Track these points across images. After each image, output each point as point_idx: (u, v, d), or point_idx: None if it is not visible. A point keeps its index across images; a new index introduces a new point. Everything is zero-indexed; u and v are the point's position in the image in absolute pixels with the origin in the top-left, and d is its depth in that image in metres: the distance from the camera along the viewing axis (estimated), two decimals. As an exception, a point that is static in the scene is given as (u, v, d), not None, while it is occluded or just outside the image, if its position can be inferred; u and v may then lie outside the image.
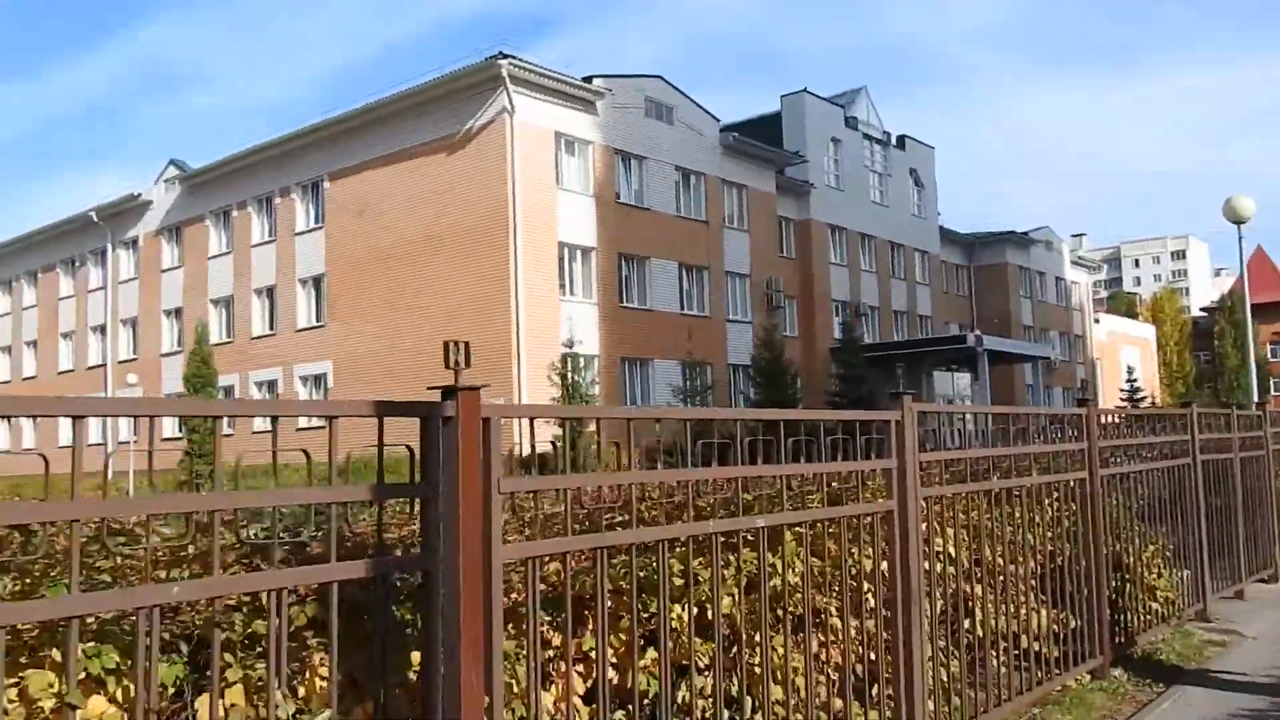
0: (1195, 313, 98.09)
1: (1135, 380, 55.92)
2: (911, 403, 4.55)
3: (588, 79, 29.92)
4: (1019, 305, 53.66)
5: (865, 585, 4.37)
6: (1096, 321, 64.61)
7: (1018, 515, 5.76)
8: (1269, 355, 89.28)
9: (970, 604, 5.18)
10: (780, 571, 3.92)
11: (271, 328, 33.96)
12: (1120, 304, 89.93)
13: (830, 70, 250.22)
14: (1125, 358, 64.26)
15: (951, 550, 5.03)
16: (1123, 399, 54.84)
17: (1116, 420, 7.38)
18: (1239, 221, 13.58)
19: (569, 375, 23.32)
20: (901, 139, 47.50)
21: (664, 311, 31.89)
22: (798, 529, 4.01)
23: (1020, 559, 5.77)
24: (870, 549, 4.38)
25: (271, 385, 33.33)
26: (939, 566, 4.94)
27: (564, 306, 28.41)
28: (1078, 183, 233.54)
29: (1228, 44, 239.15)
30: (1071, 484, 6.29)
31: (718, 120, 34.76)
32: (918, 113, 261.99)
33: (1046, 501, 6.13)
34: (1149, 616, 7.18)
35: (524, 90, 27.71)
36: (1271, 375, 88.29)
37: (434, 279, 28.66)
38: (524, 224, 27.40)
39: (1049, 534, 6.16)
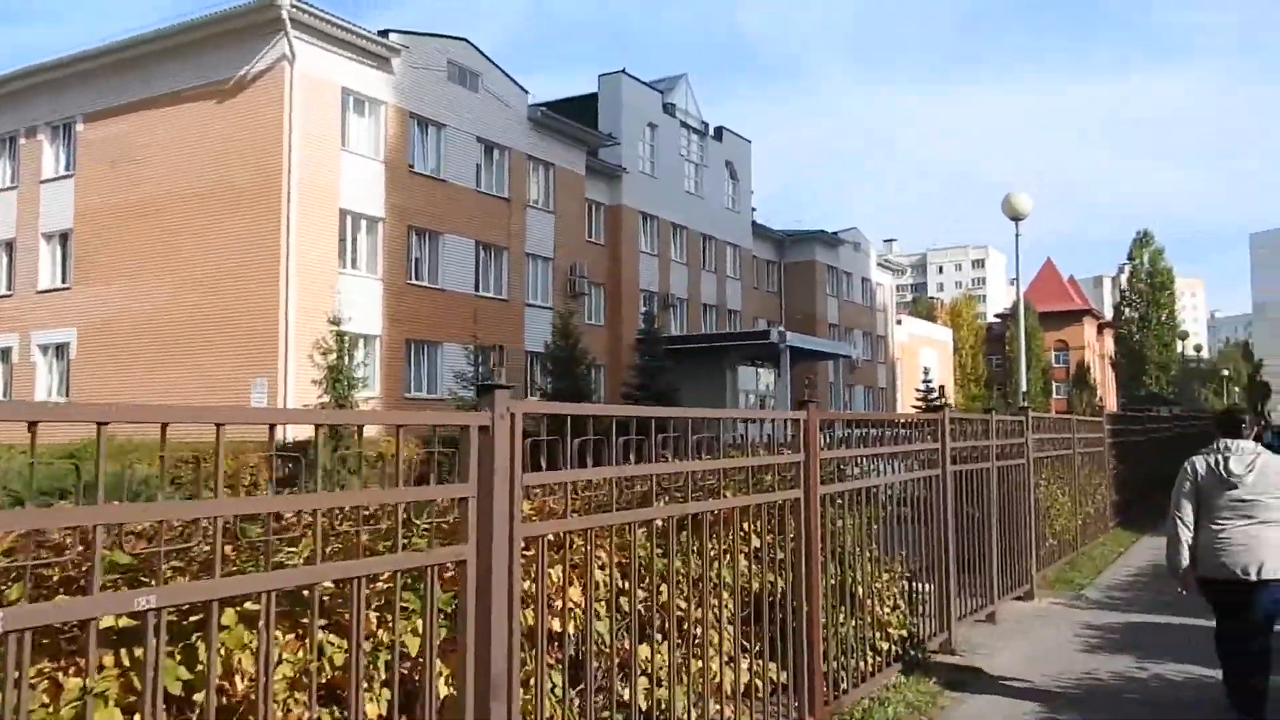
0: (991, 319, 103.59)
1: (931, 381, 57.87)
2: (511, 401, 3.18)
3: (384, 33, 27.70)
4: (825, 304, 54.44)
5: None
6: (898, 323, 66.58)
7: (710, 547, 4.53)
8: (1053, 361, 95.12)
9: (625, 669, 3.90)
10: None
11: (9, 288, 30.06)
12: (922, 308, 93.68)
13: (669, 57, 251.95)
14: (924, 359, 66.62)
15: (585, 600, 3.71)
16: (918, 399, 56.66)
17: (848, 425, 6.31)
18: (1017, 218, 13.16)
19: (334, 355, 21.20)
20: (719, 130, 47.14)
21: (457, 292, 30.04)
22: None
23: (714, 601, 4.55)
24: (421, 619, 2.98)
25: (4, 354, 29.52)
26: (567, 624, 3.62)
27: (343, 280, 26.18)
28: (898, 188, 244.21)
29: (1058, 66, 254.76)
30: (784, 504, 5.13)
31: (527, 93, 33.12)
32: (751, 107, 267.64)
33: (752, 527, 4.94)
34: (877, 659, 6.14)
35: (307, 37, 25.25)
36: (1055, 380, 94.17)
37: (197, 241, 25.81)
38: (300, 186, 24.99)
39: (754, 566, 4.98)
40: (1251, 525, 5.68)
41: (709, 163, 45.78)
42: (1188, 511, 5.89)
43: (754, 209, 54.97)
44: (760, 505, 4.90)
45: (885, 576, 6.33)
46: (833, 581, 5.65)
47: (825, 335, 51.52)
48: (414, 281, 28.77)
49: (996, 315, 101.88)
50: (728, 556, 4.74)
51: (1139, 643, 8.04)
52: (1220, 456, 5.85)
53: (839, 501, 5.79)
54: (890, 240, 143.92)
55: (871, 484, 6.21)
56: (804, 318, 52.39)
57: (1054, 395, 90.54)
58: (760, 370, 43.16)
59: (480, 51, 31.10)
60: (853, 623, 5.77)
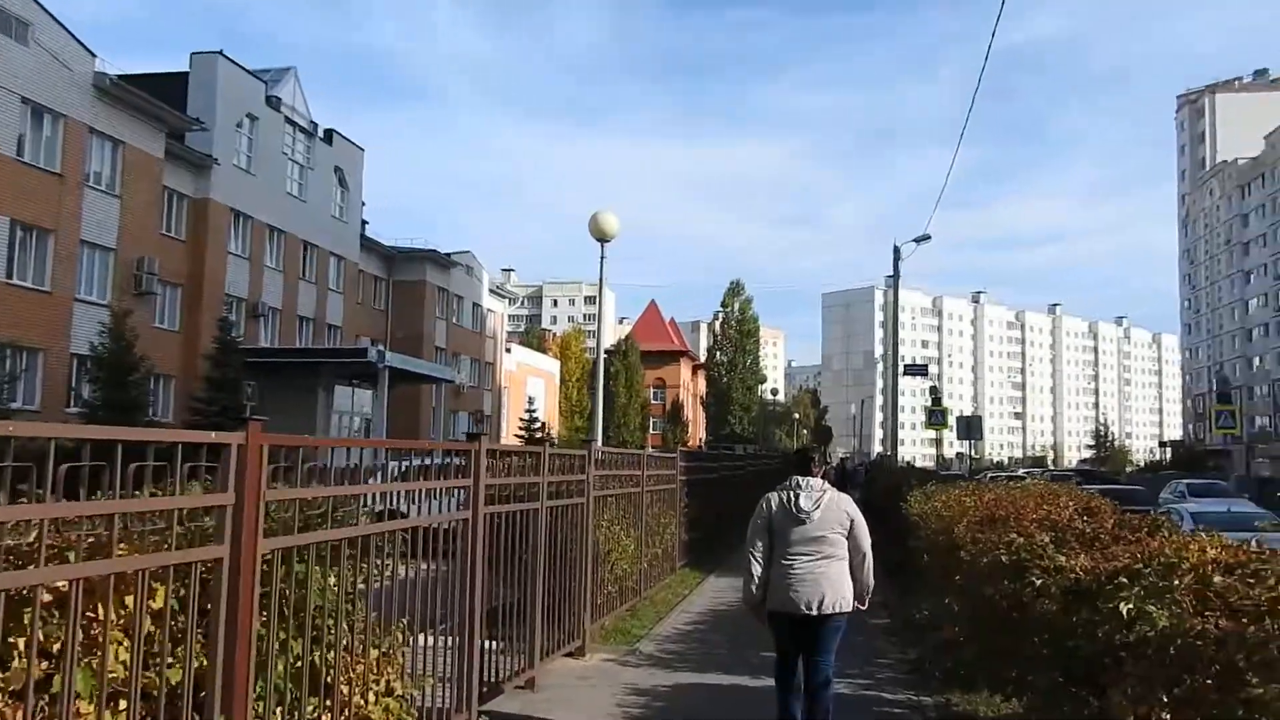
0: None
1: (535, 411, 58.21)
2: None
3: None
4: (434, 326, 52.97)
5: None
6: (508, 351, 66.64)
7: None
8: (651, 398, 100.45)
9: None
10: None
11: None
12: (534, 338, 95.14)
13: (285, 55, 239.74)
14: (531, 389, 67.12)
15: None
16: (520, 429, 56.75)
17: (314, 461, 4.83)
18: (603, 239, 12.60)
19: None
20: (329, 133, 44.31)
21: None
22: None
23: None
24: None
25: None
26: None
27: None
28: (519, 221, 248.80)
29: (673, 127, 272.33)
30: (190, 567, 3.57)
31: (94, 56, 28.64)
32: (372, 119, 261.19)
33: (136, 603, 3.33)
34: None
35: None
36: (653, 416, 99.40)
37: None
38: None
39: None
40: (817, 562, 5.87)
41: (315, 165, 42.81)
42: (760, 547, 6.05)
43: (366, 221, 52.43)
44: (141, 572, 3.30)
45: (375, 652, 4.92)
46: (290, 665, 4.17)
47: (432, 358, 49.98)
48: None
49: (606, 351, 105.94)
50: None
51: (684, 708, 7.33)
52: (792, 493, 6.02)
53: (302, 557, 4.32)
54: (508, 270, 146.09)
55: (359, 533, 4.80)
56: (411, 338, 50.51)
57: (651, 430, 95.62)
58: (357, 390, 40.72)
59: (36, 1, 26.42)
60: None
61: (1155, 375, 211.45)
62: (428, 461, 6.08)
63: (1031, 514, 6.46)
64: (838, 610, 5.87)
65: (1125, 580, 4.17)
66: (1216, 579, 3.85)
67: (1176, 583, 3.92)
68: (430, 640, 5.75)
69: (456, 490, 6.22)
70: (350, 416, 40.99)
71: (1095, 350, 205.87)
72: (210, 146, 35.22)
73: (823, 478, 6.31)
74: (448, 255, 53.56)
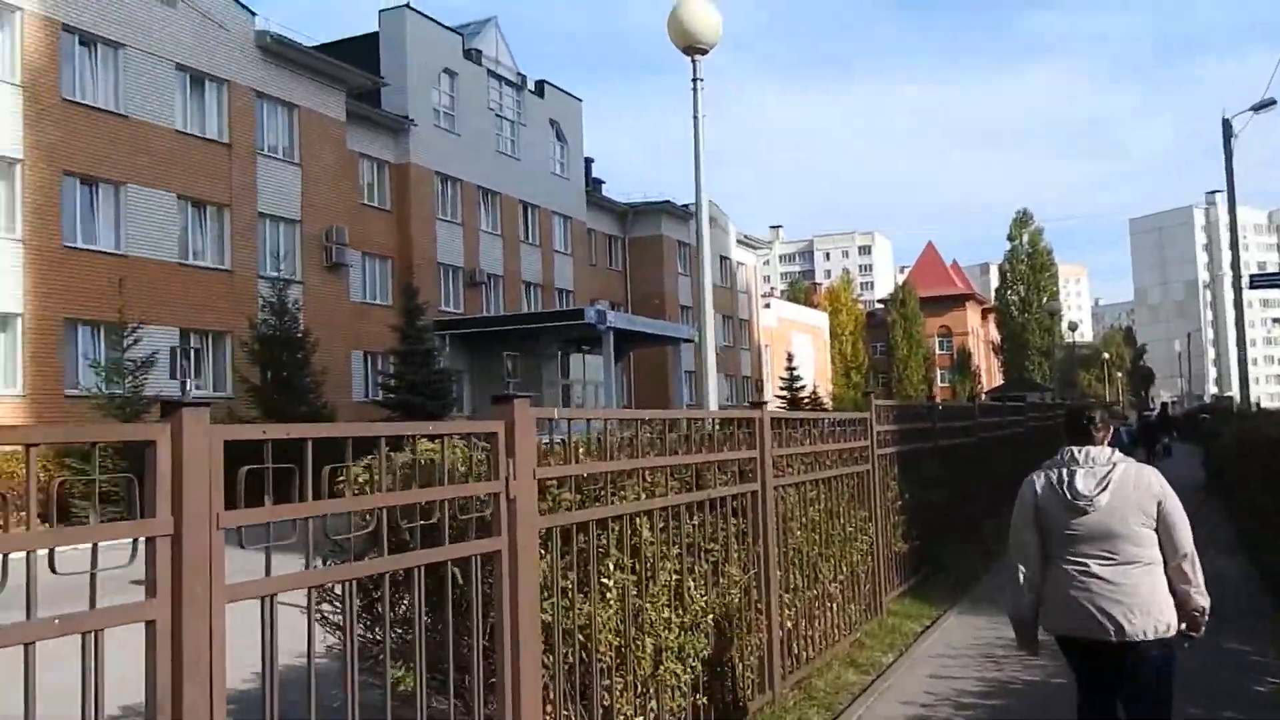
0: (876, 305, 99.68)
1: (796, 369, 52.94)
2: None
3: (19, -79, 20.95)
4: (676, 283, 48.95)
5: None
6: (766, 306, 61.62)
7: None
8: (936, 347, 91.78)
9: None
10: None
11: None
12: (799, 291, 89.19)
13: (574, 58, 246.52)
14: (796, 345, 61.82)
15: None
16: (781, 389, 51.66)
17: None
18: (693, 49, 7.48)
19: None
20: (540, 84, 41.09)
21: (148, 258, 23.40)
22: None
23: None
24: None
25: None
26: None
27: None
28: (785, 182, 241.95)
29: (935, 65, 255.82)
30: None
31: (254, 15, 26.51)
32: (630, 92, 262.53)
33: None
34: None
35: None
36: (940, 367, 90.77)
37: None
38: None
39: None
40: (1111, 568, 4.10)
41: (528, 120, 39.73)
42: (1029, 547, 4.35)
43: (601, 181, 49.28)
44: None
45: None
46: None
47: (676, 318, 46.02)
48: (77, 244, 22.04)
49: (879, 301, 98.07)
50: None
51: None
52: (1065, 471, 4.26)
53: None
54: (776, 226, 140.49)
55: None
56: (651, 298, 46.86)
57: (939, 383, 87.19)
58: (588, 357, 37.37)
59: (177, -45, 24.46)
60: None
61: None
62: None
63: None
64: (1152, 637, 3.99)
65: None
66: None
67: None
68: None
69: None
70: (583, 385, 37.78)
71: None
72: (405, 107, 32.80)
73: (1111, 444, 4.29)
74: (684, 206, 49.13)
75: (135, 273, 22.65)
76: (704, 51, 7.72)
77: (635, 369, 44.88)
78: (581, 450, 4.07)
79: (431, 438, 3.24)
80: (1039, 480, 4.42)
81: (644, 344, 39.85)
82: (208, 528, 2.24)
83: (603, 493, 4.07)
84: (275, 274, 24.81)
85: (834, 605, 6.91)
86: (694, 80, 7.82)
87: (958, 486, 11.30)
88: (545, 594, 3.59)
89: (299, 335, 22.90)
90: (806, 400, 51.29)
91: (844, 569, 7.11)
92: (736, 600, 5.16)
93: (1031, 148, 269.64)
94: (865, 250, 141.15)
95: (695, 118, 7.98)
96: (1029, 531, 4.41)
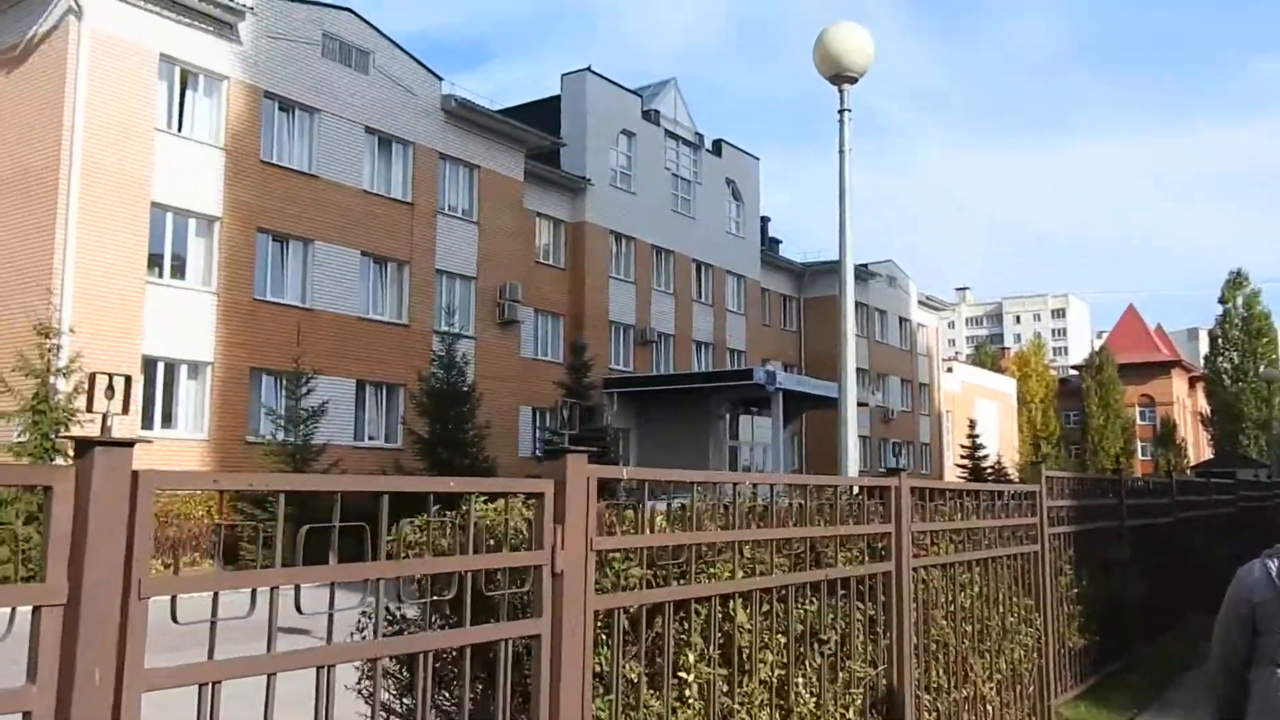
0: (1069, 371, 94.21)
1: (978, 436, 50.24)
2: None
3: (232, -6, 22.59)
4: (853, 346, 47.49)
5: None
6: (949, 370, 59.13)
7: None
8: (1137, 418, 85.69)
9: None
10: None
11: None
12: (985, 356, 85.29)
13: (759, 116, 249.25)
14: (980, 412, 58.89)
15: None
16: (962, 458, 49.10)
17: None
18: (841, 79, 6.85)
19: (39, 379, 15.61)
20: (718, 143, 41.15)
21: (333, 312, 24.45)
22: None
23: None
24: None
25: None
26: None
27: (153, 292, 20.80)
28: (964, 240, 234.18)
29: (1134, 118, 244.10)
30: None
31: (440, 79, 27.62)
32: (817, 158, 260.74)
33: None
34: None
35: (106, -10, 20.23)
36: (1141, 439, 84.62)
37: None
38: (87, 171, 19.75)
39: None
40: None
41: (704, 180, 39.78)
42: (1237, 649, 3.67)
43: (778, 240, 48.85)
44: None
45: None
46: None
47: (855, 382, 44.55)
48: (267, 298, 23.25)
49: (1073, 367, 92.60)
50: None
51: None
52: None
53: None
54: (963, 289, 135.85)
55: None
56: (825, 359, 45.59)
57: (1139, 456, 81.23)
58: (757, 419, 36.61)
59: (372, 25, 25.78)
60: None
61: None
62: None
63: None
64: None
65: None
66: None
67: None
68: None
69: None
70: (751, 447, 37.00)
71: None
72: (584, 168, 33.43)
73: None
74: (863, 266, 47.94)
75: (317, 325, 23.73)
76: (853, 80, 7.16)
77: (807, 431, 43.71)
78: (660, 518, 3.52)
79: (459, 497, 2.76)
80: (1256, 570, 3.81)
81: (815, 406, 38.73)
82: (118, 597, 1.85)
83: (687, 569, 3.51)
84: (448, 328, 25.48)
85: (989, 708, 6.01)
86: (840, 111, 7.26)
87: (1149, 573, 10.01)
88: (602, 689, 3.06)
89: (465, 389, 23.27)
90: (990, 470, 48.49)
91: (1002, 666, 6.21)
92: (859, 701, 4.45)
93: (1244, 201, 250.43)
94: (1059, 314, 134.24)
95: (841, 151, 7.42)
96: (1238, 631, 3.79)
